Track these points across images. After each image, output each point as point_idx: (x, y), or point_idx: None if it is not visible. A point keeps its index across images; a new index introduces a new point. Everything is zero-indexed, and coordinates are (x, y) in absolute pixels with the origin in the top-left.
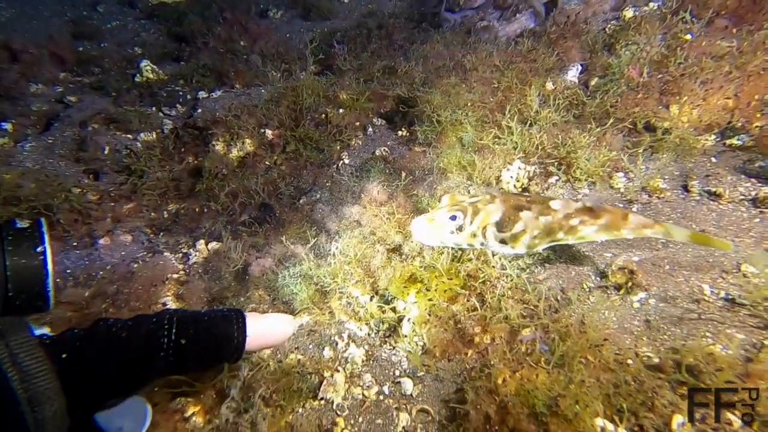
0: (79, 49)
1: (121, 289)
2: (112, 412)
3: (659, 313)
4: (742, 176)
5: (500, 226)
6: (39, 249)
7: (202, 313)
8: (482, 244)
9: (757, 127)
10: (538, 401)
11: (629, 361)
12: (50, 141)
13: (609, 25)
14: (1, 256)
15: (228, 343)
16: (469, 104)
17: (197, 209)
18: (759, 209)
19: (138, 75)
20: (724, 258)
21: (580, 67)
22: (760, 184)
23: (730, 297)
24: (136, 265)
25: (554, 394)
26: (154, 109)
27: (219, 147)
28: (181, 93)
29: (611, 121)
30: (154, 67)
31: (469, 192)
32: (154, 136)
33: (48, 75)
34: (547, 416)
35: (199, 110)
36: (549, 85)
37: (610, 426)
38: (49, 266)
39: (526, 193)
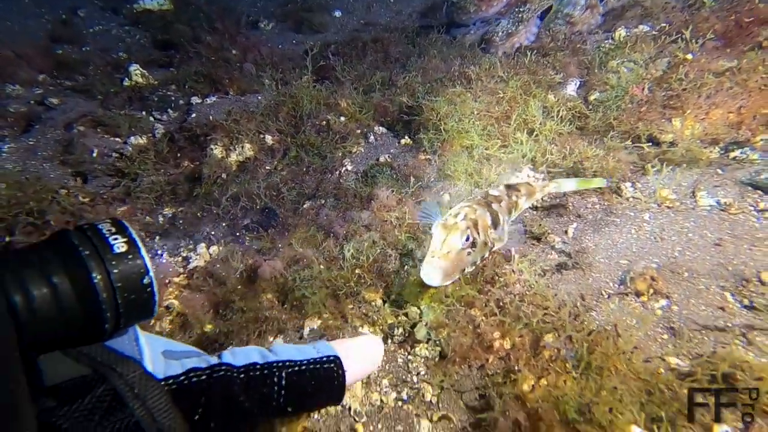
0: (57, 52)
1: None
2: None
3: (683, 321)
4: (749, 188)
5: (495, 224)
6: (146, 281)
7: (305, 369)
8: (490, 249)
9: (761, 140)
10: (569, 408)
11: (661, 370)
12: (31, 143)
13: (606, 43)
14: (113, 297)
15: (331, 393)
16: (475, 113)
17: (196, 213)
18: None
19: (127, 79)
20: (743, 267)
21: (578, 82)
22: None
23: (754, 305)
24: None
25: (586, 401)
26: (144, 113)
27: (217, 151)
28: (173, 98)
29: (611, 133)
30: (144, 71)
31: (444, 213)
32: (146, 140)
33: (25, 76)
34: (580, 423)
35: (193, 115)
36: (551, 98)
37: None
38: (156, 296)
39: (475, 190)
